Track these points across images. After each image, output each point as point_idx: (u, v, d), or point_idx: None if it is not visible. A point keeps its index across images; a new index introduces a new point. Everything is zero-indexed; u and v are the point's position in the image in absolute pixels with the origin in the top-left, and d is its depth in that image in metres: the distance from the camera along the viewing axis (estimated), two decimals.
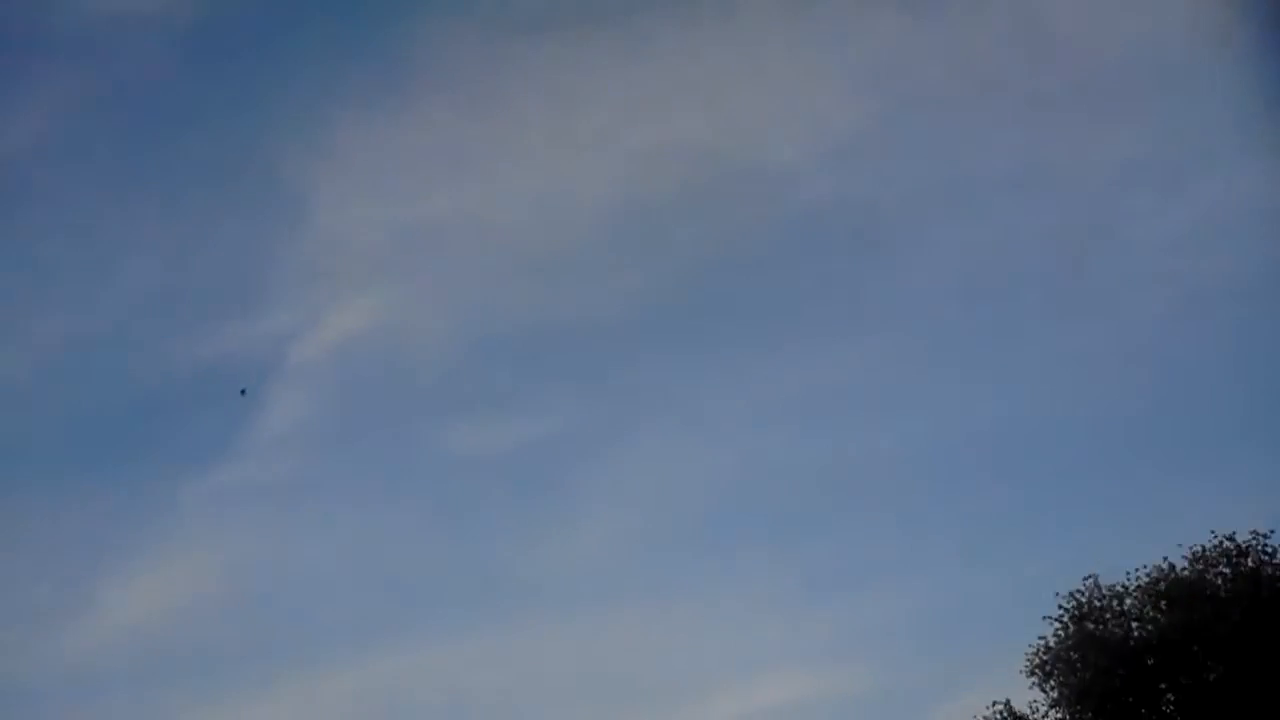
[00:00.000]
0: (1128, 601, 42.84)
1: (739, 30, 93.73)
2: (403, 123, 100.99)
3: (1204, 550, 42.13)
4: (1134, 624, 42.49)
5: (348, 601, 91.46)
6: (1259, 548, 41.73)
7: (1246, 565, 41.71)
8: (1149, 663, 41.63)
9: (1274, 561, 41.51)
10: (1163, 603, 42.09)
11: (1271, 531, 41.68)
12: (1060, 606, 43.23)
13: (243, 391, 74.84)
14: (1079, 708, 41.67)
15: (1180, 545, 42.41)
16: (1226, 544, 41.95)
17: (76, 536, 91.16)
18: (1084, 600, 43.14)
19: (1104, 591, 43.16)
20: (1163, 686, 41.45)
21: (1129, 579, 42.86)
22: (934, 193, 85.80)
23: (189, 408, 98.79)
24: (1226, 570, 41.81)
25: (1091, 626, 42.74)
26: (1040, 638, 43.26)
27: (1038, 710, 42.66)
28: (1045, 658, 42.98)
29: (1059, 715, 42.23)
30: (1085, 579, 43.47)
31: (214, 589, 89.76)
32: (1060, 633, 43.00)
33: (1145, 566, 42.61)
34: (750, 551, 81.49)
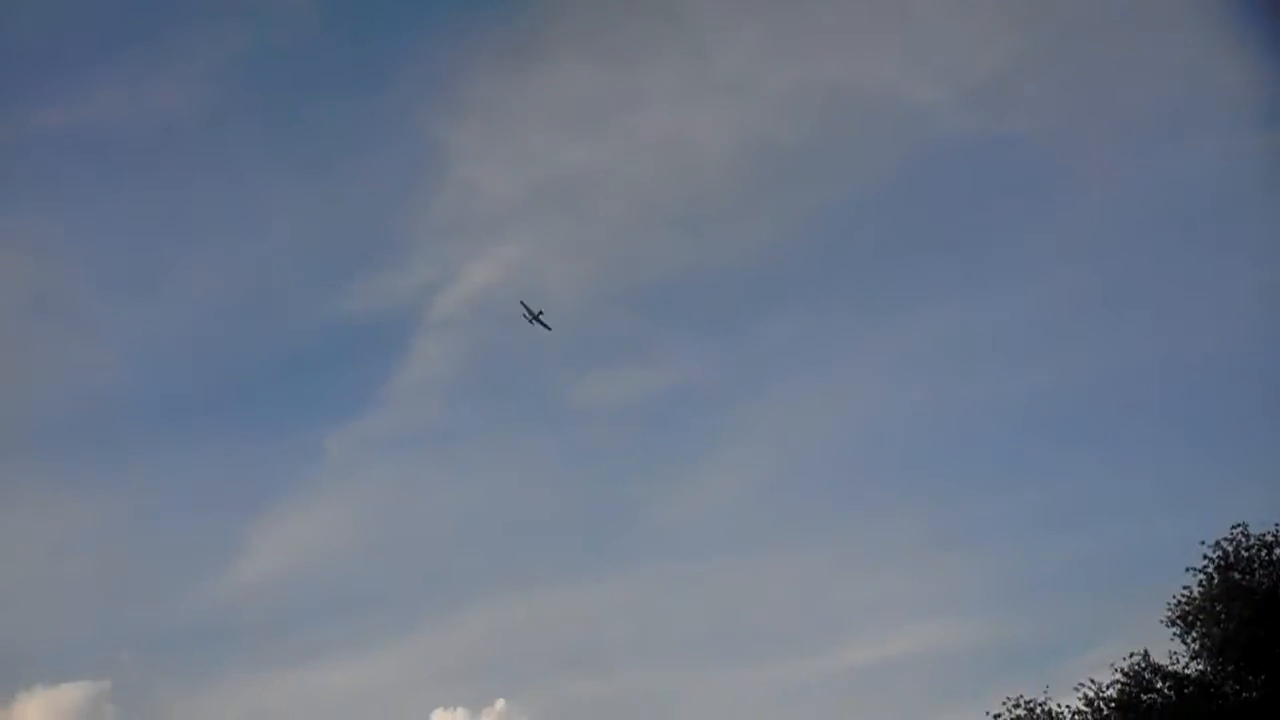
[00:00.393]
0: (1277, 551, 41.11)
1: None
2: (539, 77, 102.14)
3: None
4: None
5: (484, 546, 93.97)
6: None
7: None
8: None
9: None
10: None
11: None
12: (1205, 556, 41.71)
13: (539, 314, 75.40)
14: (1221, 659, 40.29)
15: None
16: None
17: (229, 483, 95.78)
18: (1231, 550, 41.49)
19: (1253, 541, 41.43)
20: None
21: (1279, 529, 41.19)
22: (1086, 130, 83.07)
23: (336, 359, 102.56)
24: None
25: (1238, 576, 41.12)
26: (1184, 588, 41.95)
27: (1178, 661, 41.48)
28: (1188, 608, 41.57)
29: (1200, 667, 40.94)
30: (1234, 528, 41.79)
31: (357, 534, 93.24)
32: (1205, 583, 41.50)
33: None
34: (889, 502, 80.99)
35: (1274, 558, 41.13)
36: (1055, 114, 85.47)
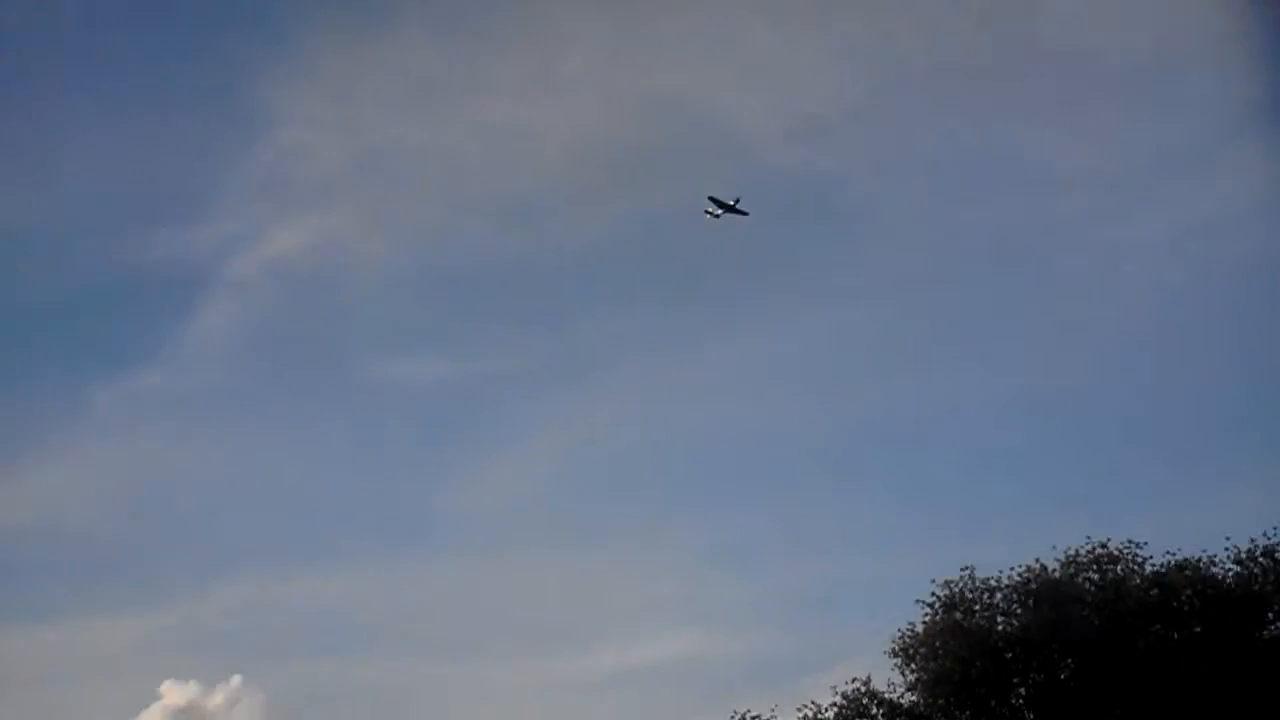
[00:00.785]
0: (998, 596, 43.13)
1: None
2: (381, 49, 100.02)
3: (1076, 554, 42.58)
4: (1000, 618, 42.84)
5: (249, 518, 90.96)
6: (1130, 556, 42.28)
7: (1115, 573, 42.17)
8: (1007, 657, 42.04)
9: (1142, 572, 42.03)
10: (1030, 601, 42.49)
11: (1145, 543, 42.45)
12: (934, 593, 43.59)
13: (735, 202, 68.25)
14: (934, 693, 42.13)
15: (1055, 547, 42.97)
16: (1099, 550, 42.43)
17: None
18: (957, 590, 43.40)
19: (978, 584, 43.42)
20: (1015, 681, 41.95)
21: (1003, 575, 43.18)
22: (904, 175, 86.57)
23: (117, 309, 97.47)
24: (1095, 575, 42.26)
25: (959, 616, 43.05)
26: (909, 622, 43.78)
27: (895, 690, 43.24)
28: (911, 641, 43.35)
29: (914, 698, 42.74)
30: (963, 570, 43.78)
31: (114, 491, 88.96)
32: (929, 619, 43.39)
33: (1019, 565, 43.03)
34: (660, 513, 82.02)
35: (994, 601, 43.27)
36: (876, 156, 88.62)
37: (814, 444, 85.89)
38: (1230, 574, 41.13)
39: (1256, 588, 40.64)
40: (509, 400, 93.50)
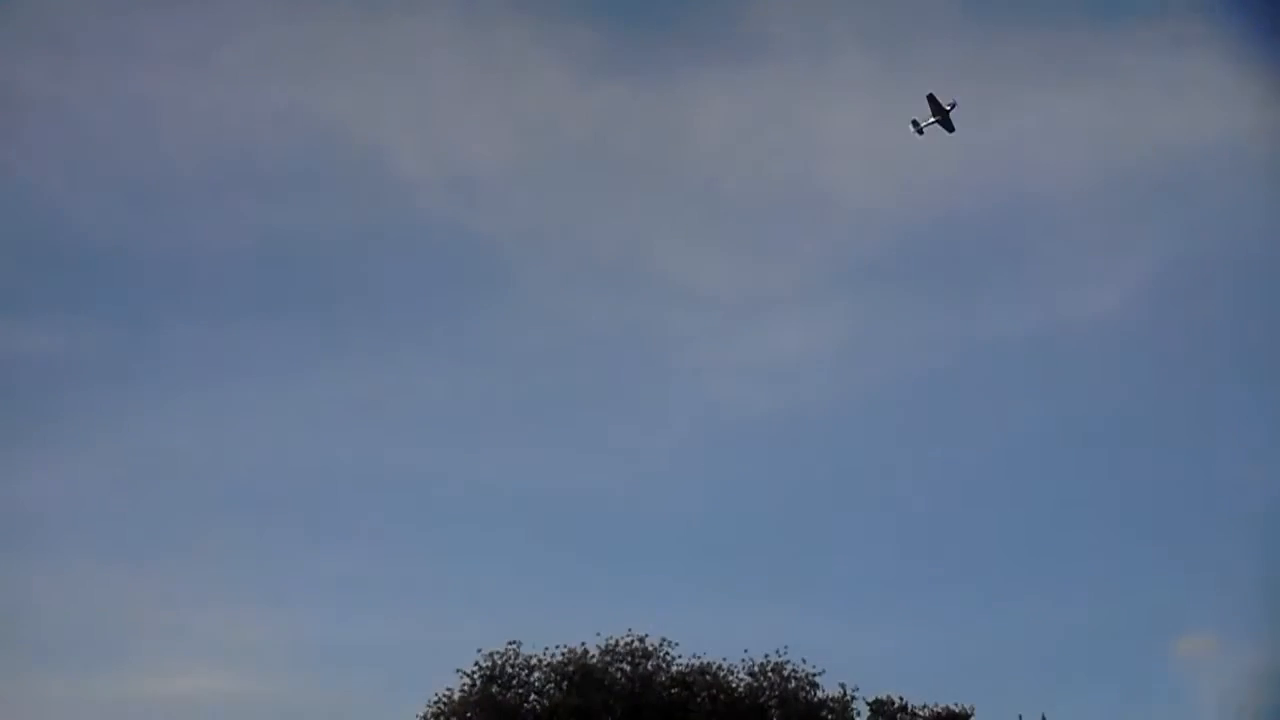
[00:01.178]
0: (536, 674, 44.40)
1: (416, 31, 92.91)
2: None
3: (616, 643, 44.62)
4: (534, 696, 44.08)
5: None
6: (662, 654, 44.74)
7: (646, 667, 44.50)
8: None
9: (669, 670, 44.60)
10: (565, 683, 44.01)
11: (678, 643, 45.00)
12: (476, 664, 44.31)
13: (950, 107, 56.24)
14: None
15: (599, 634, 44.80)
16: (636, 643, 44.69)
17: None
18: (499, 663, 44.31)
19: (520, 660, 44.56)
20: None
21: (547, 653, 44.46)
22: (550, 251, 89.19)
23: None
24: (628, 667, 44.38)
25: (496, 690, 43.92)
26: (449, 689, 44.29)
27: None
28: (445, 708, 43.80)
29: None
30: (509, 644, 44.71)
31: None
32: (467, 688, 44.05)
33: (563, 646, 44.45)
34: (219, 542, 77.94)
35: (531, 679, 44.52)
36: (525, 229, 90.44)
37: (400, 494, 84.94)
38: (743, 684, 44.50)
39: (763, 699, 44.13)
40: (76, 390, 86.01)
